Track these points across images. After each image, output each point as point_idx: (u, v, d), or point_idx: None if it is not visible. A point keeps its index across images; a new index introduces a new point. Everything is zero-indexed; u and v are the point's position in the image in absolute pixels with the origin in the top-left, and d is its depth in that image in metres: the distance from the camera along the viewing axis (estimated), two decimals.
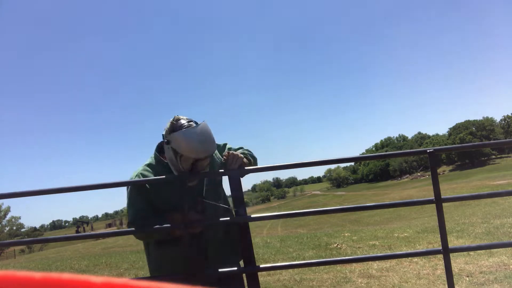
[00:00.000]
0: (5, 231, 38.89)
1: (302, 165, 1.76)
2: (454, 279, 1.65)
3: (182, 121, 1.59)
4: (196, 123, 1.61)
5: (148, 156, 1.82)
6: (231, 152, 1.67)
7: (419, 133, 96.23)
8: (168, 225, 1.60)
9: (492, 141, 2.56)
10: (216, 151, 1.79)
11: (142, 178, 1.67)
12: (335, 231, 9.37)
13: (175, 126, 1.58)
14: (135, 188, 1.69)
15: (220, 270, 1.70)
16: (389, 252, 5.40)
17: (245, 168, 1.69)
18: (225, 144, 1.88)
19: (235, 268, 1.68)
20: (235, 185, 1.72)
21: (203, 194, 1.72)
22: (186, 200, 1.66)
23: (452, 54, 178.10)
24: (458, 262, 4.19)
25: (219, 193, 1.82)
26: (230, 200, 1.88)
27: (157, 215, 1.67)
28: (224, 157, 1.68)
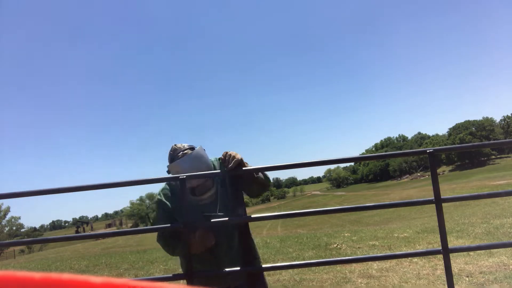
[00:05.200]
0: (5, 231, 38.86)
1: (302, 165, 1.75)
2: (454, 279, 1.65)
3: (178, 150, 1.74)
4: (192, 148, 1.74)
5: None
6: (228, 152, 1.67)
7: (419, 133, 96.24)
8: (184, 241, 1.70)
9: (492, 141, 2.55)
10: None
11: (162, 196, 1.81)
12: (335, 231, 9.37)
13: (172, 156, 1.74)
14: (160, 205, 1.81)
15: (224, 270, 1.70)
16: (389, 252, 5.40)
17: (245, 168, 1.67)
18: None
19: (238, 268, 1.68)
20: (234, 185, 1.72)
21: (217, 210, 1.75)
22: (199, 216, 1.72)
23: (452, 54, 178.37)
24: (458, 262, 4.20)
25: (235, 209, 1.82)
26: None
27: (177, 233, 1.77)
28: (221, 157, 1.69)
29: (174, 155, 1.73)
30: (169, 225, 1.66)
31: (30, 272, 0.28)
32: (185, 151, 1.72)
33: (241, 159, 1.66)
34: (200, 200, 1.74)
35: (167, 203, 1.78)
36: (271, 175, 1.81)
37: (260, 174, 1.76)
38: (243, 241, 1.81)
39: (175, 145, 1.77)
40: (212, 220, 1.67)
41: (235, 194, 1.74)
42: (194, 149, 1.75)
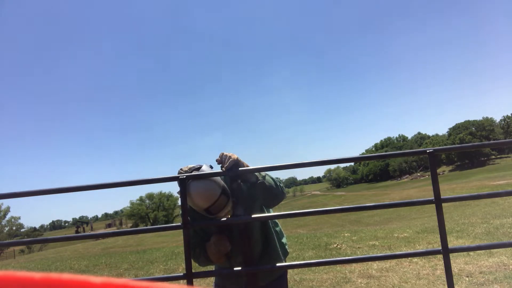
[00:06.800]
0: (5, 231, 38.84)
1: (302, 165, 1.75)
2: (454, 279, 1.65)
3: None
4: (199, 169, 1.69)
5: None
6: (224, 153, 1.67)
7: (419, 133, 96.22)
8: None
9: (492, 141, 2.55)
10: None
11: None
12: (335, 231, 9.36)
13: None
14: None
15: (222, 271, 1.70)
16: (389, 252, 5.39)
17: (243, 168, 1.67)
18: None
19: (239, 268, 1.68)
20: (233, 184, 1.72)
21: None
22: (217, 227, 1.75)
23: (452, 55, 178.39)
24: (458, 262, 4.19)
25: (255, 209, 1.82)
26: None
27: (201, 245, 1.78)
28: (218, 158, 1.68)
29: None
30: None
31: (30, 272, 0.28)
32: (192, 173, 1.67)
33: (237, 159, 1.65)
34: (217, 218, 1.71)
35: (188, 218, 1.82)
36: (271, 175, 1.78)
37: (268, 178, 1.72)
38: (265, 242, 1.83)
39: (181, 169, 1.72)
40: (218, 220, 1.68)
41: (234, 193, 1.73)
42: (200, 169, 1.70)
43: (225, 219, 1.68)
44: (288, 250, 1.96)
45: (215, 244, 1.67)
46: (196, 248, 1.77)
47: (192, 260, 1.67)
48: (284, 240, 1.95)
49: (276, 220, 1.95)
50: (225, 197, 1.67)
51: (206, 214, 1.69)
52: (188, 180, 1.64)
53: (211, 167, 1.74)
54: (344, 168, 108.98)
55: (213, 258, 1.70)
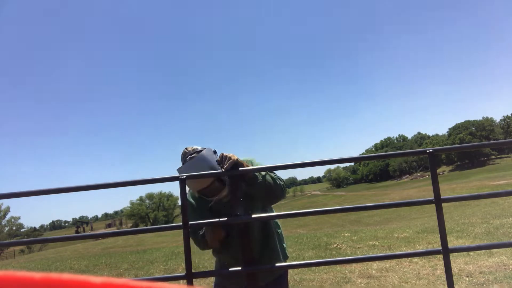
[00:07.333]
0: (5, 231, 38.87)
1: (302, 165, 1.75)
2: (454, 279, 1.65)
3: (187, 154, 1.76)
4: (200, 151, 1.73)
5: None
6: (224, 153, 1.68)
7: (419, 133, 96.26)
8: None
9: (492, 141, 2.55)
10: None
11: (190, 196, 1.88)
12: (335, 231, 9.37)
13: (182, 160, 1.77)
14: (189, 206, 1.88)
15: (224, 270, 1.71)
16: (389, 252, 5.40)
17: (243, 168, 1.67)
18: (251, 161, 1.87)
19: (239, 268, 1.68)
20: (233, 185, 1.72)
21: (233, 210, 1.76)
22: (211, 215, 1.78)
23: (452, 55, 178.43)
24: (458, 262, 4.20)
25: (256, 208, 1.83)
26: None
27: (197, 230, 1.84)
28: (218, 159, 1.69)
29: (183, 160, 1.76)
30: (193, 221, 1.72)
31: (30, 272, 0.28)
32: (193, 155, 1.72)
33: (237, 160, 1.66)
34: (212, 201, 1.75)
35: (193, 202, 1.87)
36: (272, 174, 1.78)
37: (268, 178, 1.72)
38: (265, 242, 1.84)
39: (185, 148, 1.79)
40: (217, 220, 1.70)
41: (234, 194, 1.74)
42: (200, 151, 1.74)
43: (225, 218, 1.68)
44: (288, 255, 1.97)
45: (212, 231, 1.71)
46: (197, 230, 1.82)
47: (191, 260, 1.67)
48: (284, 244, 1.97)
49: (279, 223, 1.97)
50: (219, 183, 1.72)
51: (203, 196, 1.75)
52: (188, 158, 1.71)
53: (215, 152, 1.78)
54: (344, 168, 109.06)
55: (209, 240, 1.74)
